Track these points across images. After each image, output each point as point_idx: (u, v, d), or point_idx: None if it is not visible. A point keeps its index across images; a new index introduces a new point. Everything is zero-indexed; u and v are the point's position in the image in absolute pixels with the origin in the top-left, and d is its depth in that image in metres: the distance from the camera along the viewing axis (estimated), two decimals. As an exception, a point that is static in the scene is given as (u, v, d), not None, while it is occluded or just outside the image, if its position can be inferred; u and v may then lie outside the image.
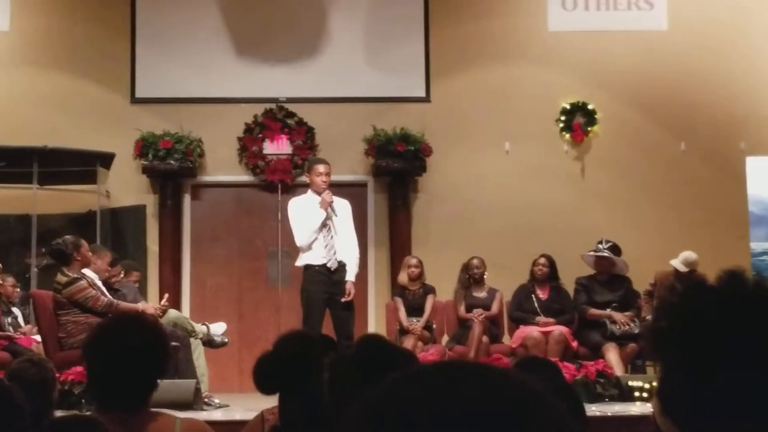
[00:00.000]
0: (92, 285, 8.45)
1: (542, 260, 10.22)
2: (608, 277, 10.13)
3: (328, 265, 8.67)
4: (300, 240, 8.75)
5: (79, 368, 7.73)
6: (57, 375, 7.78)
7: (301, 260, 8.81)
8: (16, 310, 10.28)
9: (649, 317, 9.58)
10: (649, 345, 1.59)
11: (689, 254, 10.26)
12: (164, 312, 8.69)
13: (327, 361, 3.21)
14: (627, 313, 9.85)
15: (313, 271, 8.68)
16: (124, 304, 8.47)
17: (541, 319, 9.85)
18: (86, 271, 8.68)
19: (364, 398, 1.11)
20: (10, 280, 10.46)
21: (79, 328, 8.25)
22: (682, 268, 10.08)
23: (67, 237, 8.71)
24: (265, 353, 3.71)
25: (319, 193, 8.77)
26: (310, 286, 8.68)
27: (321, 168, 8.89)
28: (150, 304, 8.80)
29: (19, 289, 10.61)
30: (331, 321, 8.77)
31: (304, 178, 9.02)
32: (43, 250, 11.29)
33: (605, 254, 10.05)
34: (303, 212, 8.77)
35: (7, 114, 12.07)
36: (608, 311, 9.85)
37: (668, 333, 1.46)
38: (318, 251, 8.69)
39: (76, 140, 11.55)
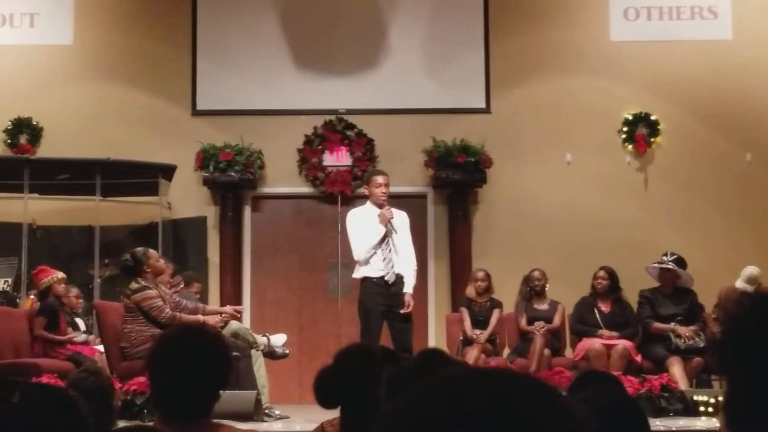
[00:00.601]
0: (162, 296, 8.49)
1: (601, 273, 10.08)
2: (673, 290, 9.97)
3: (386, 278, 8.62)
4: (358, 254, 8.70)
5: (142, 378, 7.77)
6: (119, 385, 7.88)
7: (359, 272, 8.74)
8: (79, 321, 10.37)
9: (715, 331, 9.44)
10: (715, 359, 1.55)
11: (751, 270, 10.10)
12: (226, 323, 8.72)
13: (386, 375, 3.19)
14: (692, 327, 9.68)
15: (370, 284, 8.63)
16: (186, 317, 8.49)
17: (604, 332, 9.72)
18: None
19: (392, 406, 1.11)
20: (75, 290, 10.56)
21: (142, 338, 8.30)
22: (747, 287, 9.91)
23: (136, 249, 8.75)
24: (325, 367, 3.69)
25: (378, 205, 8.71)
26: (368, 298, 8.62)
27: (380, 179, 8.82)
28: (213, 314, 8.80)
29: (82, 300, 10.71)
30: (390, 333, 8.72)
31: (363, 190, 8.98)
32: (106, 261, 11.42)
33: (669, 266, 9.91)
34: (362, 225, 8.71)
35: (71, 127, 12.22)
36: (672, 325, 9.70)
37: (734, 347, 1.42)
38: (376, 264, 8.63)
39: (138, 152, 11.67)
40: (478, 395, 1.07)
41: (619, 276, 10.08)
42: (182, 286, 9.94)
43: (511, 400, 1.06)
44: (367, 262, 8.63)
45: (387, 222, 8.62)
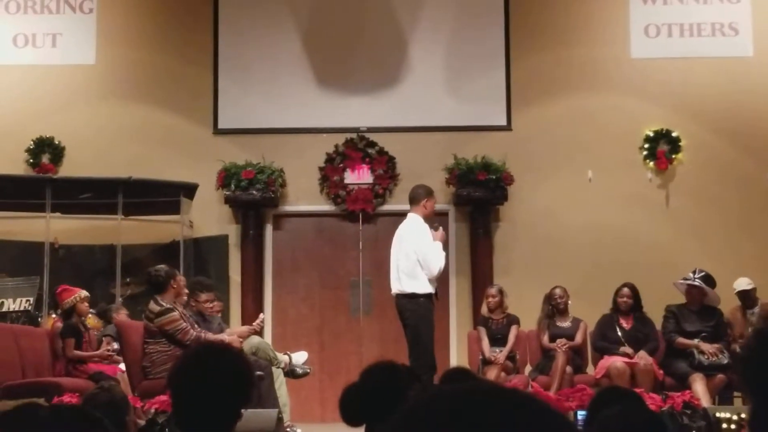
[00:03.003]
0: (183, 316, 8.50)
1: (626, 291, 10.03)
2: (700, 307, 9.92)
3: (438, 294, 8.92)
4: (437, 268, 8.73)
5: (163, 397, 7.77)
6: (141, 404, 7.88)
7: (426, 287, 8.72)
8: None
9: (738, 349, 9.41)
10: (739, 375, 1.53)
11: (743, 280, 10.18)
12: (249, 335, 8.74)
13: (413, 393, 3.17)
14: (716, 345, 9.63)
15: (430, 299, 8.73)
16: (210, 337, 8.49)
17: (627, 349, 9.68)
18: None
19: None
20: (124, 310, 10.59)
21: (164, 358, 8.31)
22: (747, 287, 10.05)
23: (163, 266, 8.80)
24: (351, 384, 3.68)
25: (429, 221, 8.96)
26: (431, 314, 8.72)
27: None
28: (236, 335, 8.79)
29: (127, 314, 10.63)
30: None
31: (424, 203, 8.98)
32: (128, 279, 11.44)
33: (696, 283, 9.86)
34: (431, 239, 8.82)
35: (93, 146, 12.28)
36: (696, 341, 9.65)
37: (759, 364, 1.41)
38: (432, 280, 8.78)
39: (159, 171, 11.71)
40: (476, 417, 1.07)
41: (641, 292, 10.05)
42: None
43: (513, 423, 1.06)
44: (434, 279, 8.72)
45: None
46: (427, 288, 8.68)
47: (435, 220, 9.28)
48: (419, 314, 8.65)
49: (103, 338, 9.96)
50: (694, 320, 9.82)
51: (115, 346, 9.70)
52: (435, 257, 8.70)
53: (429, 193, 9.14)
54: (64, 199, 11.45)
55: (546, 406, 1.11)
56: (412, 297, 8.68)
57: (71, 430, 2.08)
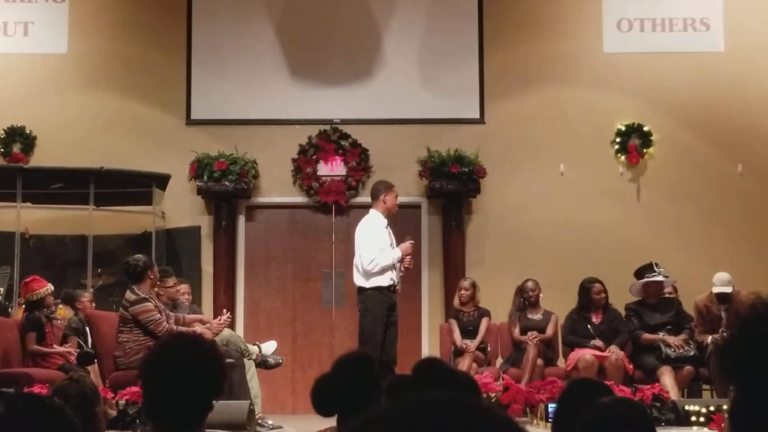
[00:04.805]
0: (158, 308, 8.49)
1: (599, 286, 10.05)
2: (657, 300, 10.02)
3: (397, 287, 8.87)
4: (377, 266, 8.75)
5: (134, 388, 7.75)
6: (112, 395, 7.86)
7: (369, 282, 8.79)
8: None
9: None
10: (720, 364, 1.55)
11: (722, 274, 10.15)
12: (219, 331, 8.72)
13: (385, 384, 3.18)
14: (681, 336, 9.74)
15: (380, 292, 8.76)
16: (182, 330, 8.47)
17: (597, 342, 9.74)
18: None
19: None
20: (87, 295, 10.54)
21: (136, 348, 8.29)
22: (725, 290, 9.91)
23: (141, 256, 8.79)
24: (323, 375, 3.68)
25: (389, 215, 8.96)
26: (378, 307, 8.76)
27: (397, 192, 9.15)
28: (207, 327, 8.78)
29: (94, 304, 10.58)
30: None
31: (383, 198, 8.99)
32: (99, 270, 11.40)
33: (659, 278, 9.95)
34: (379, 236, 8.84)
35: (64, 136, 12.21)
36: (662, 335, 9.74)
37: (743, 354, 1.42)
38: (388, 273, 8.80)
39: (132, 162, 11.67)
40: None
41: (612, 285, 10.12)
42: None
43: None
44: (382, 272, 8.71)
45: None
46: (375, 282, 8.75)
47: (406, 214, 9.28)
48: (366, 306, 8.81)
49: (68, 339, 9.87)
50: (654, 314, 9.92)
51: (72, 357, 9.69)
52: (370, 254, 8.75)
53: (388, 187, 9.16)
54: (35, 189, 11.39)
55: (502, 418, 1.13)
56: (361, 290, 8.86)
57: (28, 418, 2.07)
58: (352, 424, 1.14)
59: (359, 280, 8.87)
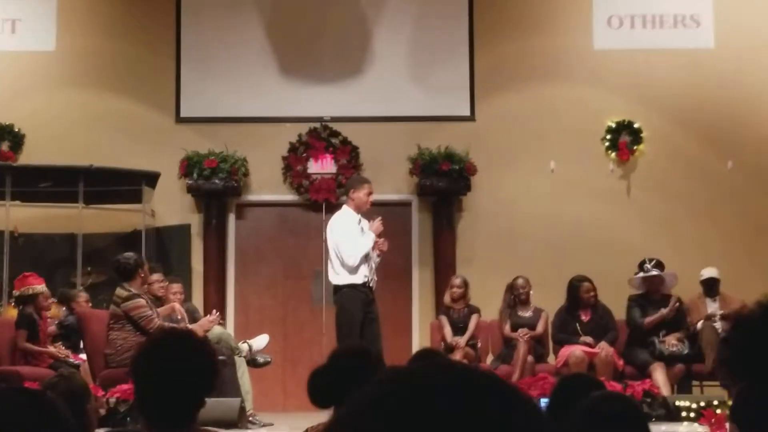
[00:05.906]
0: (149, 305, 8.50)
1: (588, 285, 10.08)
2: (660, 297, 10.05)
3: (371, 284, 8.71)
4: (351, 261, 8.60)
5: (125, 386, 7.74)
6: (102, 393, 7.84)
7: (344, 279, 8.67)
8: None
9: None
10: (729, 364, 1.54)
11: (710, 269, 10.30)
12: (210, 328, 8.72)
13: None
14: (677, 335, 9.77)
15: (355, 290, 8.64)
16: (173, 326, 8.46)
17: (586, 338, 9.77)
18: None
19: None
20: (84, 295, 10.51)
21: (127, 345, 8.27)
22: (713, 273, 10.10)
23: (131, 254, 8.83)
24: (320, 366, 3.68)
25: (361, 212, 8.76)
26: (352, 304, 8.61)
27: (370, 188, 8.86)
28: (198, 324, 8.77)
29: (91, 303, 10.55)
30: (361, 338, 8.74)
31: (351, 195, 8.89)
32: (89, 268, 11.36)
33: (654, 273, 9.97)
34: (352, 231, 8.70)
35: (53, 134, 12.17)
36: (662, 334, 9.76)
37: (749, 349, 1.41)
38: (362, 270, 8.66)
39: (121, 160, 11.63)
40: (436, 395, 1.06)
41: (602, 283, 10.15)
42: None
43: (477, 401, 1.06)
44: (356, 269, 8.64)
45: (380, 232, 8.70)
46: (347, 279, 8.65)
47: (396, 211, 9.23)
48: (339, 304, 8.73)
49: (56, 344, 9.81)
50: (655, 310, 9.93)
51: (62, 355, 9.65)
52: (348, 252, 8.64)
53: (359, 183, 9.03)
54: (24, 187, 11.35)
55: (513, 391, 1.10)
56: (336, 289, 8.76)
57: (21, 413, 2.05)
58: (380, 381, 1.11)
59: (334, 278, 8.76)
